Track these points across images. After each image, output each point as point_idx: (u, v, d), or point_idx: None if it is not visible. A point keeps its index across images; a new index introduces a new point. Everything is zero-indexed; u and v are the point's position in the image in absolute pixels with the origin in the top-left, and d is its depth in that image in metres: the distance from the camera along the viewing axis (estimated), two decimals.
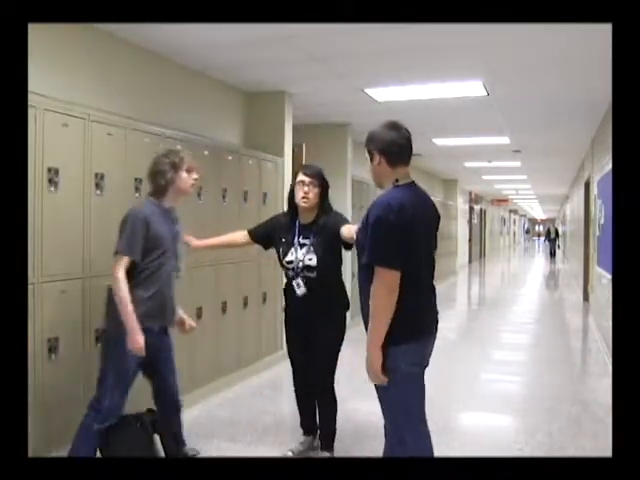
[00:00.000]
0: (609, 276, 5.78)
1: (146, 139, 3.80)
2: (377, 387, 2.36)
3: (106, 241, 3.26)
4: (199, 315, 4.34)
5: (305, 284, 3.10)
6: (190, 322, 3.24)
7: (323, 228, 3.13)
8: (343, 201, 7.34)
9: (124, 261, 2.79)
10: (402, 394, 2.29)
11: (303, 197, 3.15)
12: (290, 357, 3.38)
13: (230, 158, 4.76)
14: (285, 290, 3.25)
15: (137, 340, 2.75)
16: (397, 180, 2.35)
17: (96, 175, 3.37)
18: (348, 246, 3.09)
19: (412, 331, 2.29)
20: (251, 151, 5.21)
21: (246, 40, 4.12)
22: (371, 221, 2.23)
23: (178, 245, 3.05)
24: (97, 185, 3.38)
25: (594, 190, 7.94)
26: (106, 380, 2.84)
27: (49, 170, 3.05)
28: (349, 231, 2.94)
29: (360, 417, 4.12)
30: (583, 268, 10.01)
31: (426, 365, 2.37)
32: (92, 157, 3.32)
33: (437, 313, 2.44)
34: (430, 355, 2.40)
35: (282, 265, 3.21)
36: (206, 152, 4.44)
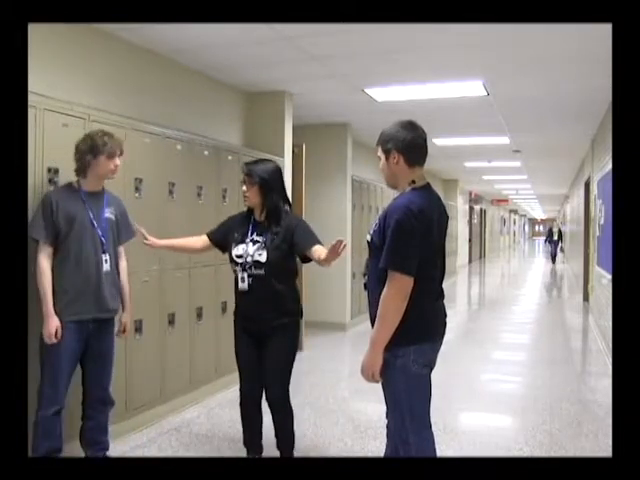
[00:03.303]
0: (609, 276, 5.78)
1: (146, 139, 3.80)
2: (384, 387, 2.35)
3: None
4: (199, 315, 4.34)
5: (252, 281, 2.97)
6: (126, 327, 3.17)
7: (280, 229, 2.98)
8: (343, 201, 7.35)
9: (41, 247, 2.78)
10: (410, 394, 2.28)
11: (243, 195, 3.07)
12: (237, 360, 3.14)
13: (230, 158, 4.76)
14: (234, 289, 3.09)
15: (48, 326, 2.74)
16: (414, 181, 2.33)
17: None
18: (305, 259, 2.99)
19: (425, 332, 2.30)
20: (251, 151, 5.20)
21: (246, 40, 4.12)
22: (391, 225, 2.20)
23: (107, 232, 2.97)
24: None
25: (594, 190, 7.95)
26: (42, 372, 2.82)
27: (49, 170, 3.05)
28: (318, 255, 2.82)
29: (360, 417, 4.12)
30: (583, 268, 10.01)
31: (432, 367, 2.37)
32: None
33: (446, 316, 2.44)
34: (437, 357, 2.41)
35: (231, 260, 3.06)
36: (206, 152, 4.44)
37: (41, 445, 2.79)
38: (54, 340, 2.75)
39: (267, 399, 3.07)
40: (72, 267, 2.83)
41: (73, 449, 3.08)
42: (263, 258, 2.94)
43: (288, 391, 3.08)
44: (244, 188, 3.03)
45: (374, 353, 2.24)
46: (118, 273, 3.09)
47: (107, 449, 3.09)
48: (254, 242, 3.00)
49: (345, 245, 2.62)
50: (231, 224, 3.18)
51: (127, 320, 3.17)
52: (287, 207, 3.11)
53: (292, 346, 3.06)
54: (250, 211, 3.12)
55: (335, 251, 2.63)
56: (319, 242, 2.96)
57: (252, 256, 2.96)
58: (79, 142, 2.90)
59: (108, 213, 2.99)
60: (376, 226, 2.32)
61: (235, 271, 3.03)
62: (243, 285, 2.98)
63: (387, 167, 2.38)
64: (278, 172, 3.08)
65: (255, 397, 3.11)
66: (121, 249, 3.14)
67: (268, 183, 3.00)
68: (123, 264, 3.16)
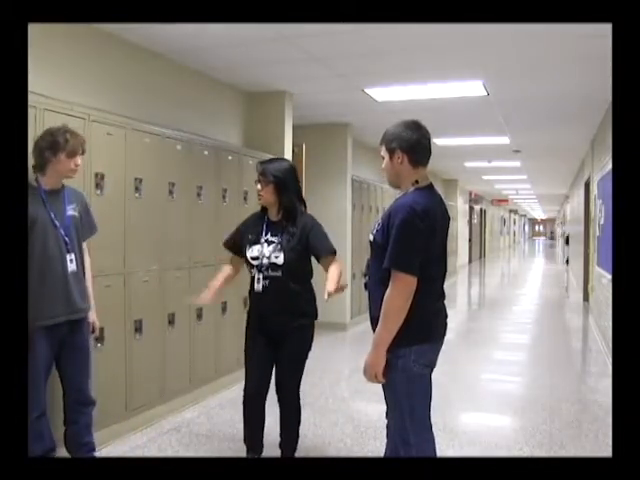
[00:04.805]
0: (609, 276, 5.78)
1: (146, 139, 3.80)
2: (385, 387, 2.35)
3: (107, 240, 3.27)
4: (199, 315, 4.34)
5: (268, 283, 2.97)
6: (95, 327, 3.06)
7: (296, 230, 2.99)
8: (343, 201, 7.35)
9: None
10: (410, 394, 2.28)
11: (257, 194, 3.06)
12: (246, 359, 3.15)
13: (230, 158, 4.76)
14: (250, 290, 3.10)
15: None
16: (417, 181, 2.33)
17: (96, 175, 3.37)
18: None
19: (426, 333, 2.30)
20: (251, 151, 5.20)
21: (246, 40, 4.12)
22: (395, 224, 2.20)
23: (71, 230, 2.83)
24: (97, 185, 3.38)
25: (594, 190, 7.94)
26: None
27: None
28: (326, 270, 2.96)
29: (360, 417, 4.12)
30: (583, 268, 10.01)
31: (433, 368, 2.37)
32: (92, 157, 3.31)
33: (446, 317, 2.44)
34: (437, 358, 2.41)
35: (246, 261, 3.06)
36: (206, 152, 4.44)
37: (35, 448, 2.75)
38: None
39: (279, 396, 3.10)
40: (37, 271, 2.70)
41: (65, 453, 3.06)
42: (280, 260, 2.94)
43: (299, 390, 3.12)
44: (258, 187, 3.02)
45: (377, 353, 2.23)
46: (83, 271, 2.96)
47: (94, 450, 3.03)
48: (269, 243, 3.00)
49: (345, 287, 2.87)
50: (243, 229, 3.18)
51: (95, 319, 3.04)
52: (302, 207, 3.11)
53: (307, 346, 3.09)
54: (264, 211, 3.11)
55: (338, 289, 2.80)
56: (333, 249, 3.00)
57: (268, 258, 2.96)
58: (38, 138, 2.78)
59: (71, 210, 2.85)
60: (379, 226, 2.32)
61: (251, 272, 3.04)
62: (259, 286, 2.99)
63: (391, 166, 2.37)
64: (293, 171, 3.08)
65: (261, 397, 3.11)
66: (84, 245, 2.98)
67: (283, 182, 3.00)
68: (87, 261, 3.00)
